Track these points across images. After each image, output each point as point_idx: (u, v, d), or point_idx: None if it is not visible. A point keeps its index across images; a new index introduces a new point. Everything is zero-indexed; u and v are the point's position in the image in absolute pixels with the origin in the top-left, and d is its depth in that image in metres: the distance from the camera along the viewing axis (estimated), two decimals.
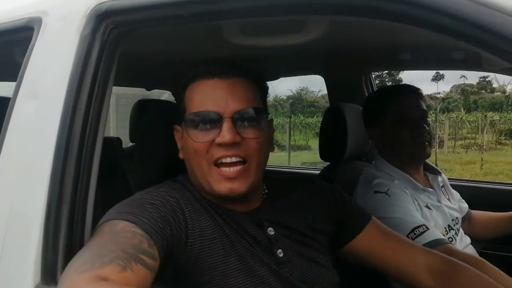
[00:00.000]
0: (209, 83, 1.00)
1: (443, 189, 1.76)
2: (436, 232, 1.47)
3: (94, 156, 0.98)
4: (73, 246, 0.92)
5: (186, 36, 1.27)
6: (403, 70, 2.25)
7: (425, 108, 1.68)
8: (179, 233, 0.93)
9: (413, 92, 1.68)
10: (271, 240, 1.03)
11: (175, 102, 2.62)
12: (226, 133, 0.95)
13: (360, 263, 1.20)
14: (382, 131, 1.69)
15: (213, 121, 0.98)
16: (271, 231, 1.04)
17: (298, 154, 15.15)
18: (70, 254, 0.89)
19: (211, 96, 0.99)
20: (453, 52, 1.70)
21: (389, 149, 1.69)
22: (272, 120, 1.11)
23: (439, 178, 1.76)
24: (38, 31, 1.07)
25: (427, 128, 1.64)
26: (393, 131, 1.64)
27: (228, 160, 0.97)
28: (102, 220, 0.90)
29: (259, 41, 1.11)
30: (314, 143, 17.54)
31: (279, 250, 1.03)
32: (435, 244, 1.42)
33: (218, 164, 0.98)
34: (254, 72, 1.05)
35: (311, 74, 2.45)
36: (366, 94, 2.27)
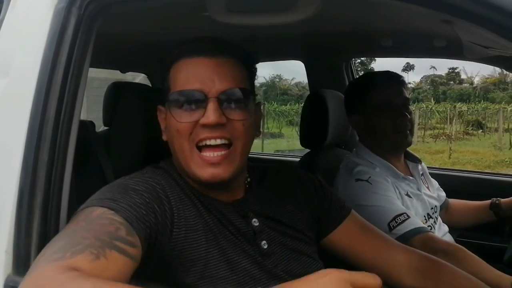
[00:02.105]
0: (195, 62, 0.95)
1: (422, 177, 1.76)
2: (417, 221, 1.47)
3: (69, 139, 0.92)
4: (48, 234, 0.87)
5: (167, 14, 1.21)
6: (384, 57, 2.23)
7: (407, 95, 1.67)
8: (164, 221, 0.89)
9: (396, 79, 1.67)
10: (255, 231, 1.00)
11: (150, 86, 2.55)
12: (211, 114, 0.91)
13: (339, 256, 1.17)
14: (363, 118, 1.67)
15: (198, 101, 0.93)
16: (255, 222, 1.01)
17: (272, 142, 15.17)
18: (44, 242, 0.83)
19: (196, 74, 0.94)
20: (435, 39, 1.69)
21: (371, 137, 1.68)
22: (260, 103, 1.07)
23: (419, 167, 1.76)
24: (8, 3, 0.99)
25: (409, 116, 1.63)
26: (375, 119, 1.63)
27: (212, 142, 0.93)
28: (81, 206, 0.85)
29: (245, 20, 1.05)
30: (287, 131, 17.63)
31: (264, 242, 1.00)
32: (416, 232, 1.42)
33: (200, 146, 0.94)
34: (243, 52, 1.00)
35: (291, 59, 2.42)
36: (347, 81, 2.26)
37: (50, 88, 0.90)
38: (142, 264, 0.82)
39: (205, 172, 0.94)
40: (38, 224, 0.86)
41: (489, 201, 1.80)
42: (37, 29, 0.93)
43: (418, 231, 1.43)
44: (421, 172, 1.76)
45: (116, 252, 0.74)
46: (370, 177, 1.54)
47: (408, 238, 1.40)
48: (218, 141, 0.93)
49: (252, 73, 1.03)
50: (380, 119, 1.62)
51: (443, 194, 1.87)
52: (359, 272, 0.63)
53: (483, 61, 1.86)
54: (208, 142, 0.93)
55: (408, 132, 1.64)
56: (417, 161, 1.77)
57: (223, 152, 0.94)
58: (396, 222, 1.44)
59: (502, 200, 1.77)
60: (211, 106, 0.91)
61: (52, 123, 0.90)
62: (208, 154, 0.93)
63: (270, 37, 1.77)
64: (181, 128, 0.94)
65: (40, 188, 0.88)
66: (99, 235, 0.75)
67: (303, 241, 1.07)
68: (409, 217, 1.45)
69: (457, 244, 1.44)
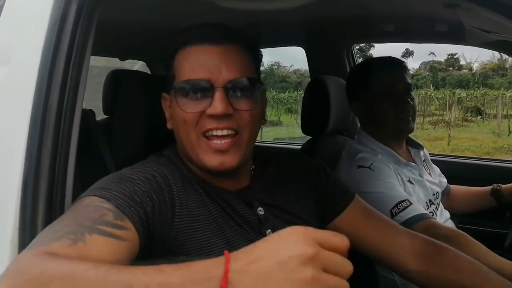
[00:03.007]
0: (201, 49, 0.93)
1: (424, 163, 1.76)
2: (419, 207, 1.47)
3: (72, 128, 0.92)
4: None
5: (170, 4, 1.19)
6: (385, 42, 2.21)
7: (409, 81, 1.66)
8: (163, 210, 0.88)
9: (398, 64, 1.66)
10: (260, 220, 1.00)
11: (149, 73, 2.53)
12: (218, 104, 0.90)
13: None
14: (365, 105, 1.66)
15: (204, 89, 0.92)
16: (260, 211, 1.01)
17: (270, 130, 15.16)
18: None
19: (203, 63, 0.92)
20: (437, 24, 1.68)
21: (373, 124, 1.67)
22: (265, 90, 1.06)
23: (421, 153, 1.76)
24: None
25: (411, 102, 1.62)
26: (377, 105, 1.62)
27: (219, 132, 0.92)
28: (78, 198, 0.84)
29: (251, 4, 1.04)
30: (286, 119, 17.59)
31: (268, 230, 1.00)
32: (418, 219, 1.42)
33: (208, 136, 0.93)
34: (248, 38, 0.99)
35: (292, 45, 2.40)
36: (348, 67, 2.24)
37: (52, 76, 0.89)
38: (148, 253, 0.82)
39: (214, 160, 0.93)
40: (43, 213, 0.86)
41: (490, 187, 1.80)
42: (38, 17, 0.91)
43: (420, 217, 1.43)
44: (423, 158, 1.76)
45: (97, 235, 0.73)
46: (372, 163, 1.54)
47: (410, 224, 1.40)
48: (225, 132, 0.92)
49: (258, 59, 1.02)
50: (382, 106, 1.60)
51: (445, 180, 1.86)
52: (326, 231, 0.62)
53: (484, 46, 1.85)
54: (215, 133, 0.92)
55: (410, 118, 1.63)
56: (419, 147, 1.76)
57: (230, 140, 0.93)
58: (398, 208, 1.44)
59: (503, 186, 1.77)
60: (218, 96, 0.90)
61: (55, 111, 0.89)
62: (216, 141, 0.93)
63: (272, 23, 1.75)
64: (187, 118, 0.93)
65: (44, 178, 0.87)
66: (81, 221, 0.75)
67: None
68: (411, 203, 1.45)
69: (459, 230, 1.45)
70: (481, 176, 2.15)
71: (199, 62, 0.93)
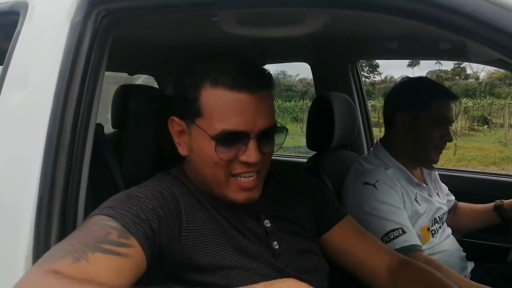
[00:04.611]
0: (236, 97, 0.93)
1: (433, 183, 1.79)
2: (411, 237, 1.49)
3: (85, 148, 0.95)
4: None
5: (178, 23, 1.24)
6: (389, 59, 2.26)
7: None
8: (171, 226, 0.91)
9: (454, 98, 1.69)
10: (267, 232, 1.04)
11: (155, 87, 2.55)
12: (253, 154, 0.94)
13: (329, 257, 1.20)
14: (413, 120, 1.65)
15: (239, 138, 0.95)
16: (267, 223, 1.05)
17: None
18: None
19: (240, 112, 0.93)
20: (440, 42, 1.71)
21: (404, 140, 1.67)
22: None
23: (433, 173, 1.79)
24: (25, 16, 1.02)
25: (451, 136, 1.66)
26: (427, 126, 1.62)
27: (247, 175, 0.97)
28: (88, 216, 0.89)
29: (255, 32, 1.08)
30: (292, 128, 17.61)
31: (275, 242, 1.04)
32: (407, 250, 1.44)
33: (235, 175, 0.97)
34: (273, 80, 1.02)
35: (298, 61, 2.44)
36: (352, 83, 2.27)
37: (68, 99, 0.93)
38: (157, 269, 0.85)
39: (241, 196, 0.98)
40: (56, 231, 0.89)
41: (493, 203, 1.82)
42: (54, 42, 0.95)
43: (407, 249, 1.45)
44: (433, 178, 1.79)
45: (100, 253, 0.77)
46: (378, 181, 1.56)
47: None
48: (253, 174, 0.98)
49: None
50: (432, 129, 1.62)
51: (452, 198, 1.89)
52: None
53: (488, 63, 1.88)
54: (243, 175, 0.97)
55: (442, 150, 1.66)
56: (431, 168, 1.79)
57: (255, 177, 0.98)
58: (389, 237, 1.47)
59: (505, 201, 1.78)
60: (252, 145, 0.94)
61: (70, 132, 0.93)
62: (244, 180, 0.97)
63: (277, 40, 1.78)
64: (219, 162, 0.95)
65: (58, 196, 0.91)
66: (85, 240, 0.79)
67: (309, 239, 1.12)
68: (404, 232, 1.48)
69: (434, 260, 1.46)
70: (488, 192, 2.15)
71: (236, 111, 0.93)
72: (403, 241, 1.46)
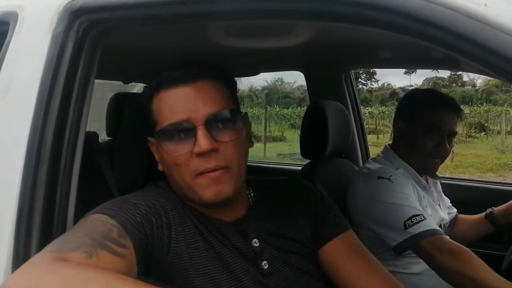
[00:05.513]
0: (175, 92, 0.95)
1: (437, 193, 1.81)
2: (432, 223, 1.51)
3: (75, 158, 0.95)
4: None
5: (170, 33, 1.23)
6: (383, 68, 2.27)
7: (457, 130, 1.70)
8: (160, 234, 0.91)
9: (458, 112, 1.68)
10: (255, 252, 1.00)
11: None
12: (202, 142, 0.91)
13: (323, 272, 1.14)
14: (408, 128, 1.68)
15: (186, 130, 0.93)
16: (255, 242, 1.01)
17: (274, 145, 15.17)
18: None
19: (179, 104, 0.94)
20: (433, 51, 1.71)
21: (405, 146, 1.70)
22: (246, 113, 1.07)
23: (438, 183, 1.82)
24: (14, 27, 1.02)
25: (447, 146, 1.65)
26: (419, 135, 1.64)
27: (212, 170, 0.94)
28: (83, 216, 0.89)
29: (244, 43, 1.07)
30: (290, 134, 17.62)
31: (264, 262, 1.00)
32: (429, 234, 1.45)
33: (201, 173, 0.94)
34: (218, 70, 1.00)
35: (292, 70, 2.44)
36: (346, 92, 2.28)
37: (49, 110, 0.92)
38: (143, 277, 0.84)
39: (209, 192, 0.94)
40: (36, 243, 0.88)
41: (485, 212, 1.83)
42: (36, 53, 0.95)
43: (431, 233, 1.46)
44: (437, 188, 1.81)
45: (106, 252, 0.78)
46: (391, 175, 1.58)
47: (420, 238, 1.45)
48: (218, 170, 0.94)
49: (233, 88, 1.03)
50: (425, 137, 1.63)
51: (454, 210, 1.90)
52: None
53: (480, 73, 1.89)
54: (207, 171, 0.94)
55: (439, 160, 1.68)
56: (437, 178, 1.81)
57: (221, 171, 0.94)
58: (412, 221, 1.47)
59: (495, 208, 1.80)
60: (201, 133, 0.92)
61: (51, 143, 0.92)
62: (209, 173, 0.94)
63: (270, 50, 1.79)
64: (177, 161, 0.94)
65: (38, 208, 0.90)
66: (92, 234, 0.79)
67: (304, 257, 1.07)
68: (425, 218, 1.49)
69: (465, 247, 1.45)
70: (487, 201, 2.14)
71: (176, 104, 0.94)
72: (426, 224, 1.46)
